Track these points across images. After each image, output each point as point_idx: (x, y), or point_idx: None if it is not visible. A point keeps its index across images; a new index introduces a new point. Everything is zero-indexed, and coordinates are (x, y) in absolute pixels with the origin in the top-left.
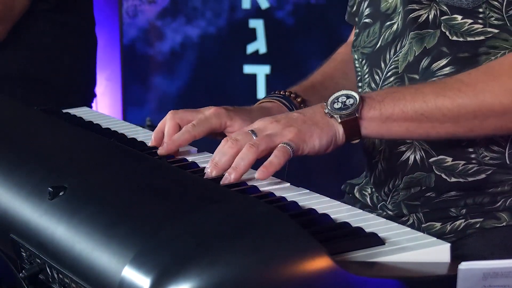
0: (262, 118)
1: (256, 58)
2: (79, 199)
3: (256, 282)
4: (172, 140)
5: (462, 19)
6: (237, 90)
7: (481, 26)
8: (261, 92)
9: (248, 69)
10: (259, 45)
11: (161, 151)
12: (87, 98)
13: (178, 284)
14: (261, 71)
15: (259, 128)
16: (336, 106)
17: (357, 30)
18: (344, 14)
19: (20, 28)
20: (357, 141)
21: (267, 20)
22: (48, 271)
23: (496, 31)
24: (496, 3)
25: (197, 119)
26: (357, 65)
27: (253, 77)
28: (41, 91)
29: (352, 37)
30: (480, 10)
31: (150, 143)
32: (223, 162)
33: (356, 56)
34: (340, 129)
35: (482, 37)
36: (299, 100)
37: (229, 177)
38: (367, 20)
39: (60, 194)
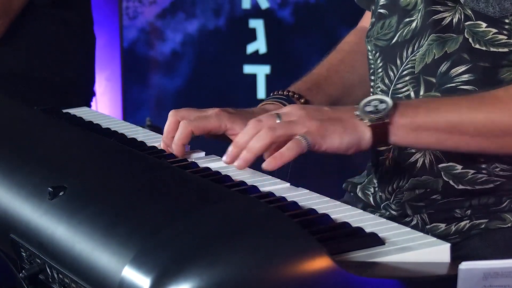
0: (296, 105)
1: (256, 58)
2: (79, 199)
3: (256, 282)
4: (175, 144)
5: (486, 27)
6: (237, 90)
7: (506, 37)
8: (261, 92)
9: (248, 69)
10: (259, 45)
11: (175, 153)
12: (87, 97)
13: (178, 284)
14: (261, 71)
15: (284, 113)
16: (367, 109)
17: (373, 19)
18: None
19: (19, 25)
20: (383, 148)
21: (267, 20)
22: (48, 271)
23: None
24: None
25: (196, 116)
26: (370, 57)
27: (253, 77)
28: (40, 88)
29: (362, 22)
30: (506, 20)
31: (161, 147)
32: (242, 142)
33: (369, 47)
34: (367, 133)
35: (505, 49)
36: (302, 101)
37: (243, 157)
38: (381, 11)
39: (60, 194)
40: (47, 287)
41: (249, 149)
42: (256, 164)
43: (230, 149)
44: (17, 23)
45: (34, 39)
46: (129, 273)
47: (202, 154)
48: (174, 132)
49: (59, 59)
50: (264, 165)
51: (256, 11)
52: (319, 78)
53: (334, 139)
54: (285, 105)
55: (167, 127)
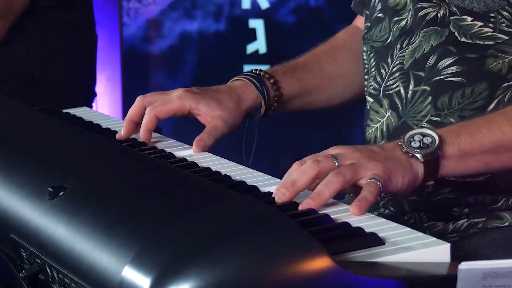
0: (340, 146)
1: (256, 58)
2: (79, 199)
3: (256, 282)
4: (141, 130)
5: (472, 20)
6: None
7: (491, 30)
8: None
9: (248, 69)
10: (259, 45)
11: (141, 138)
12: (88, 97)
13: (178, 284)
14: None
15: (341, 154)
16: (414, 145)
17: (369, 24)
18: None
19: (21, 26)
20: (431, 182)
21: (267, 20)
22: (48, 271)
23: (506, 37)
24: (506, 13)
25: (159, 101)
26: (365, 57)
27: None
28: (42, 89)
29: (356, 22)
30: (492, 15)
31: (118, 133)
32: (301, 182)
33: (365, 48)
34: (420, 169)
35: (491, 42)
36: (271, 81)
37: (311, 202)
38: (380, 15)
39: (60, 194)
40: (47, 287)
41: (320, 196)
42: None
43: (285, 188)
44: (19, 24)
45: (36, 40)
46: (129, 273)
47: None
48: (136, 117)
49: (61, 60)
50: (352, 211)
51: (256, 11)
52: (297, 64)
53: (398, 180)
54: (252, 82)
55: (131, 110)
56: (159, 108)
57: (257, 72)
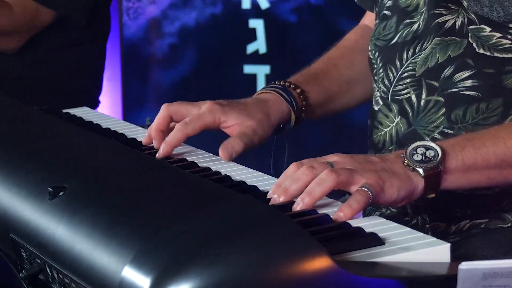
0: (339, 154)
1: (256, 58)
2: (79, 199)
3: (256, 282)
4: (167, 143)
5: (490, 31)
6: (237, 90)
7: (510, 42)
8: None
9: (248, 69)
10: (259, 45)
11: (158, 155)
12: (92, 106)
13: (178, 284)
14: (261, 71)
15: (336, 161)
16: (416, 158)
17: (377, 21)
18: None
19: (35, 36)
20: (432, 195)
21: (267, 20)
22: (48, 271)
23: None
24: None
25: (190, 115)
26: (371, 57)
27: (253, 77)
28: (47, 95)
29: (364, 21)
30: (511, 25)
31: (143, 140)
32: (294, 189)
33: (370, 47)
34: (421, 183)
35: (510, 55)
36: (298, 91)
37: (301, 202)
38: (386, 12)
39: (60, 194)
40: (47, 287)
41: (311, 194)
42: (255, 162)
43: (277, 194)
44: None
45: (48, 49)
46: (129, 273)
47: (201, 153)
48: (163, 126)
49: (70, 67)
50: (334, 216)
51: (256, 11)
52: (317, 72)
53: (392, 193)
54: (281, 95)
55: (157, 120)
56: (192, 126)
57: (282, 83)
